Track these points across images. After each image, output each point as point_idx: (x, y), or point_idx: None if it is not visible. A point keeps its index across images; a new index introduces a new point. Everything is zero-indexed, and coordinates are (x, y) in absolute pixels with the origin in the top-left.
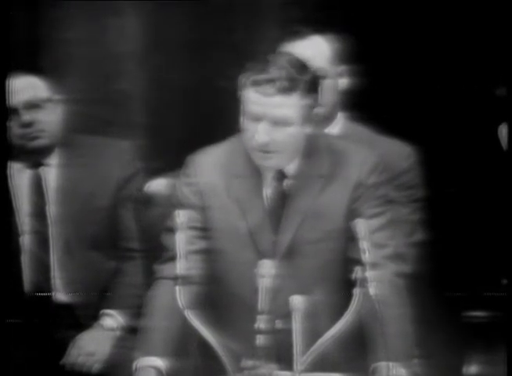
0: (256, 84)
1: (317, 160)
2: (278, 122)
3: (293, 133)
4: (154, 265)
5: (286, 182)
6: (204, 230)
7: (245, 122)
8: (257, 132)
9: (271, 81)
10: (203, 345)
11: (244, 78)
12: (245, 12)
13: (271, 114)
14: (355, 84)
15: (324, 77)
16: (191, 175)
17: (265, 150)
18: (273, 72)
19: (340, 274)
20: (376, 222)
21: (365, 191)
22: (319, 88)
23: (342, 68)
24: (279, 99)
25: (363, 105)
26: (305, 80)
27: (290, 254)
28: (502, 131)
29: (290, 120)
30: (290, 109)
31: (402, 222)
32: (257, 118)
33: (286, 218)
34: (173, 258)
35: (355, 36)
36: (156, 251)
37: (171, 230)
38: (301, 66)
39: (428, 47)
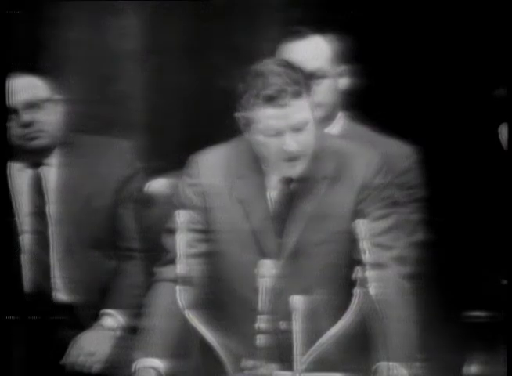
0: (268, 99)
1: (322, 161)
2: (299, 128)
3: (311, 132)
4: (154, 267)
5: (293, 185)
6: (207, 232)
7: (263, 139)
8: (284, 144)
9: (281, 91)
10: (204, 346)
11: (251, 98)
12: (245, 12)
13: (291, 122)
14: (355, 84)
15: (321, 75)
16: (193, 176)
17: (293, 157)
18: (277, 81)
19: (343, 275)
20: (382, 224)
21: (370, 193)
22: (312, 81)
23: (342, 68)
24: (293, 106)
25: (363, 105)
26: (303, 77)
27: (294, 256)
28: (503, 131)
29: (308, 120)
30: (304, 111)
31: (403, 222)
32: (279, 132)
33: (291, 220)
34: (173, 261)
35: (355, 36)
36: (156, 251)
37: (172, 232)
38: (292, 66)
39: (428, 47)
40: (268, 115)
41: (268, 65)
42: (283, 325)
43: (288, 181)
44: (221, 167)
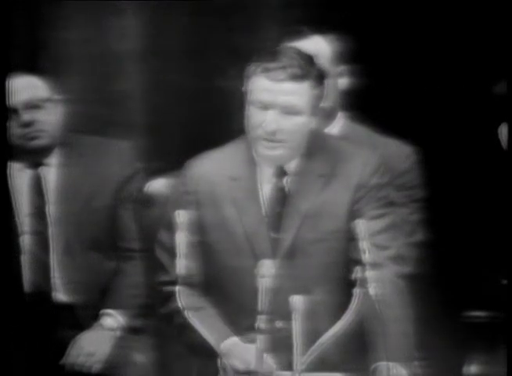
0: (267, 70)
1: (318, 158)
2: (287, 110)
3: (301, 123)
4: (156, 297)
5: (286, 179)
6: (201, 236)
7: (251, 111)
8: (265, 121)
9: (283, 67)
10: (204, 345)
11: (254, 66)
12: (245, 12)
13: (281, 102)
14: (355, 84)
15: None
16: (187, 184)
17: (272, 138)
18: (284, 60)
19: (340, 274)
20: (378, 224)
21: (367, 192)
22: (326, 83)
23: (342, 68)
24: (290, 86)
25: (363, 105)
26: (314, 71)
27: (290, 254)
28: (503, 131)
29: (299, 109)
30: (300, 97)
31: (402, 222)
32: (266, 106)
33: (286, 217)
34: (172, 282)
35: (355, 36)
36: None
37: (167, 249)
38: (310, 59)
39: (428, 47)
40: (261, 86)
41: (287, 48)
42: (279, 324)
43: (281, 174)
44: (214, 171)
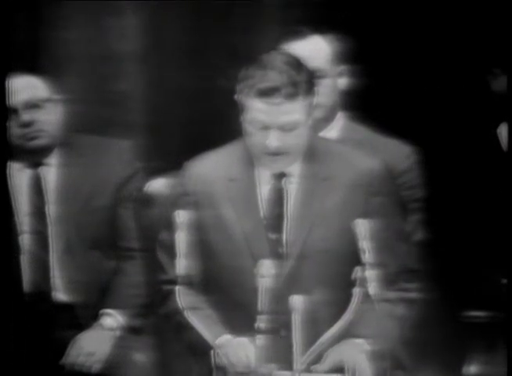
0: (262, 94)
1: (319, 162)
2: (287, 128)
3: (301, 134)
4: (155, 296)
5: (285, 181)
6: (200, 237)
7: (249, 129)
8: (268, 139)
9: (276, 89)
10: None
11: (246, 88)
12: (245, 12)
13: (280, 122)
14: (355, 84)
15: (321, 75)
16: (185, 185)
17: (275, 153)
18: (275, 78)
19: (342, 275)
20: (384, 225)
21: (377, 199)
22: (316, 83)
23: (342, 68)
24: (286, 107)
25: (363, 105)
26: (305, 80)
27: (298, 258)
28: (502, 131)
29: (298, 123)
30: (297, 113)
31: (403, 222)
32: (265, 126)
33: (285, 220)
34: (172, 282)
35: (355, 36)
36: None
37: (168, 249)
38: (298, 65)
39: (428, 47)
40: (258, 108)
41: (274, 59)
42: (279, 324)
43: (280, 175)
44: (212, 171)
